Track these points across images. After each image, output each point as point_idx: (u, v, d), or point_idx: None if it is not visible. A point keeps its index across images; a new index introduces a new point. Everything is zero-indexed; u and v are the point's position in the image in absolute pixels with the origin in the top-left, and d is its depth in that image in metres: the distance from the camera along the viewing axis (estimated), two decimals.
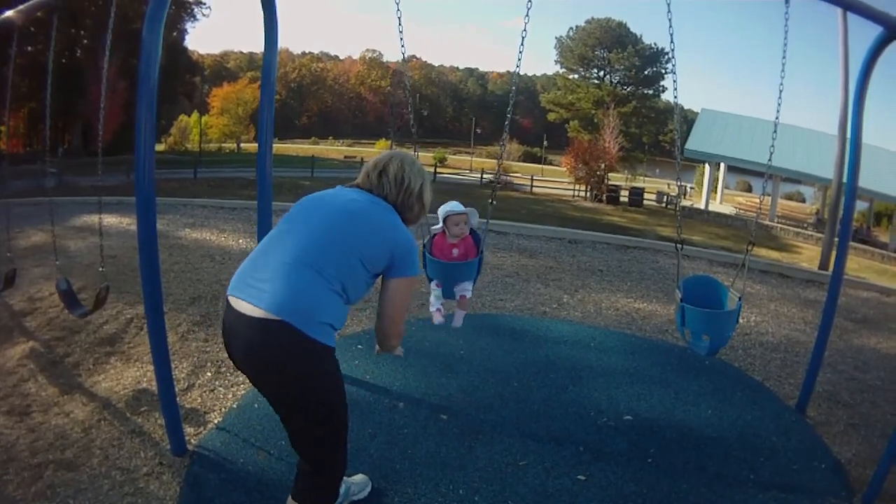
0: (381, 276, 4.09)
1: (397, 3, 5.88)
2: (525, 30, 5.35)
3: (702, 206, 59.23)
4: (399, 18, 5.98)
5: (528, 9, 5.32)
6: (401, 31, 6.04)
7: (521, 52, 5.41)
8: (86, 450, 5.58)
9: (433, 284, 6.19)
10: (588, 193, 61.62)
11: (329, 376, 3.85)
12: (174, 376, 5.84)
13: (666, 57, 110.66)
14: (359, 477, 5.15)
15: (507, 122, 5.11)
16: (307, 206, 4.12)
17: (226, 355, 3.92)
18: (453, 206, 6.02)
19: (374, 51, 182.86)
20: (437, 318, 6.30)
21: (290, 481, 4.08)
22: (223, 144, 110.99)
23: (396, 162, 4.25)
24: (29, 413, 6.25)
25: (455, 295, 6.15)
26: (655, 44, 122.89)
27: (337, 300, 3.79)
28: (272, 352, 3.63)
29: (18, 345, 7.96)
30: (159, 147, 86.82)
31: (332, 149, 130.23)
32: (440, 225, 6.07)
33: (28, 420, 6.11)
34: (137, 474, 5.26)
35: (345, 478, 4.73)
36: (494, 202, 6.32)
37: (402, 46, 6.12)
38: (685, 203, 61.40)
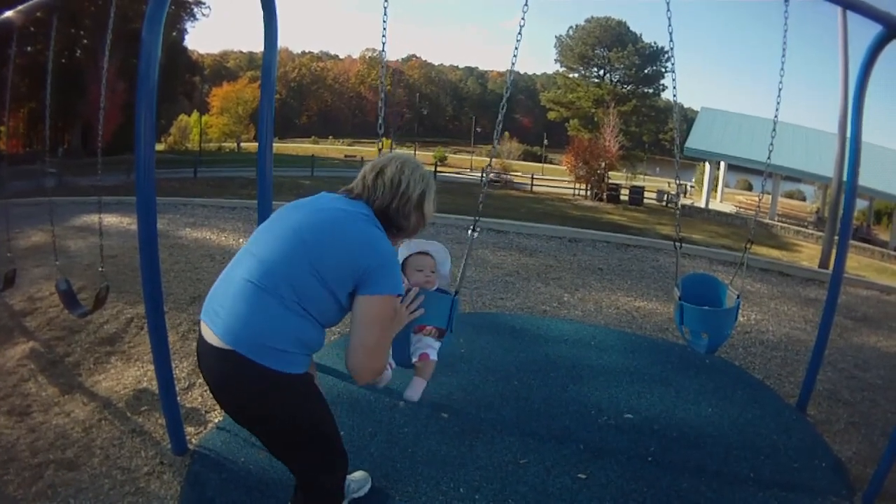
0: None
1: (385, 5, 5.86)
2: (521, 28, 5.34)
3: (702, 205, 59.22)
4: (385, 9, 5.94)
5: (525, 10, 5.32)
6: (385, 28, 6.00)
7: (516, 49, 5.40)
8: (86, 449, 5.59)
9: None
10: (588, 192, 61.61)
11: (290, 405, 3.57)
12: (175, 376, 5.85)
13: (666, 55, 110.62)
14: (358, 474, 5.13)
15: (499, 119, 5.00)
16: (276, 218, 3.79)
17: None
18: (418, 244, 4.55)
19: (373, 50, 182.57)
20: (383, 378, 4.46)
21: (290, 480, 4.06)
22: (223, 144, 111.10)
23: (395, 164, 3.85)
24: (29, 413, 6.26)
25: (412, 357, 4.53)
26: (655, 42, 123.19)
27: (298, 322, 3.45)
28: (226, 381, 3.50)
29: (19, 345, 7.96)
30: (159, 147, 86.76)
31: (333, 148, 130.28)
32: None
33: (28, 420, 6.12)
34: (138, 474, 5.26)
35: None
36: (484, 194, 5.15)
37: (384, 36, 6.06)
38: (686, 202, 61.43)
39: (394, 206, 3.75)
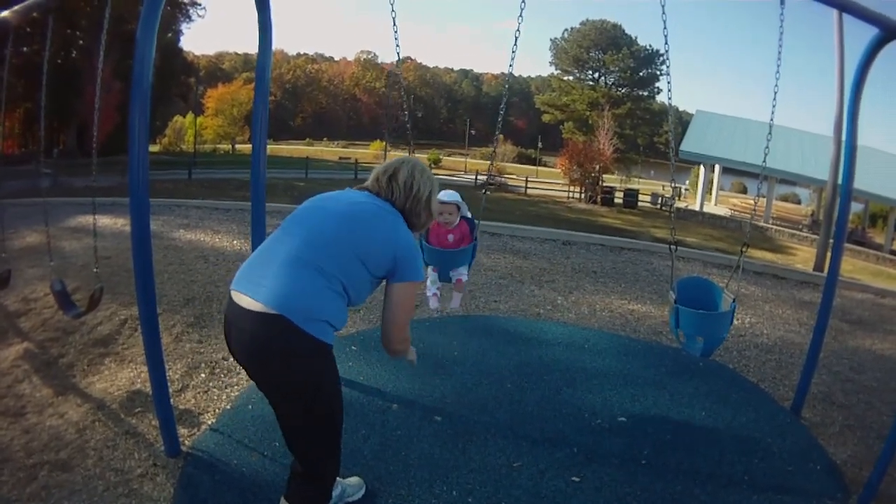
0: (384, 281, 4.10)
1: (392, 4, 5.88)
2: (518, 30, 5.34)
3: (696, 208, 59.35)
4: (394, 19, 5.97)
5: (522, 10, 5.31)
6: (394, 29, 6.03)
7: (513, 54, 5.40)
8: (80, 451, 5.59)
9: (429, 269, 6.58)
10: (582, 195, 61.65)
11: (326, 373, 3.88)
12: (168, 377, 5.85)
13: (661, 59, 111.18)
14: (353, 479, 5.14)
15: (499, 121, 5.09)
16: (312, 206, 4.14)
17: (220, 356, 3.93)
18: (442, 195, 5.98)
19: (368, 52, 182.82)
20: (433, 303, 6.94)
21: (283, 482, 4.08)
22: (218, 145, 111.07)
23: (407, 168, 4.28)
24: (23, 414, 6.27)
25: (451, 279, 6.68)
26: (650, 45, 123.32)
27: (336, 299, 3.81)
28: (269, 345, 3.65)
29: (13, 346, 7.97)
30: (154, 148, 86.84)
31: (327, 150, 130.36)
32: None
33: (22, 421, 6.13)
34: (131, 475, 5.26)
35: (339, 479, 4.78)
36: (487, 192, 6.49)
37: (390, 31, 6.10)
38: (680, 205, 61.57)
39: (408, 206, 4.23)
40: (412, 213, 4.25)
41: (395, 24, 6.09)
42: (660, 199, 62.80)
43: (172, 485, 5.17)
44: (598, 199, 58.85)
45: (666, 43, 6.02)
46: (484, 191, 6.91)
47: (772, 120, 6.34)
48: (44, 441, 5.74)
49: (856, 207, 59.81)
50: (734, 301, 5.85)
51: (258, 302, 3.65)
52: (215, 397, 6.71)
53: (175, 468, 5.40)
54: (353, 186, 4.38)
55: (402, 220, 4.18)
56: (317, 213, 4.06)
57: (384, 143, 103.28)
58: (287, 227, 4.03)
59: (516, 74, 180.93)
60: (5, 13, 7.58)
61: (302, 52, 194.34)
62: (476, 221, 6.61)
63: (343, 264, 3.81)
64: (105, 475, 5.25)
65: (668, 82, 6.35)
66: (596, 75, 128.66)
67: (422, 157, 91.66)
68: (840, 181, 7.56)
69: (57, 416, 6.21)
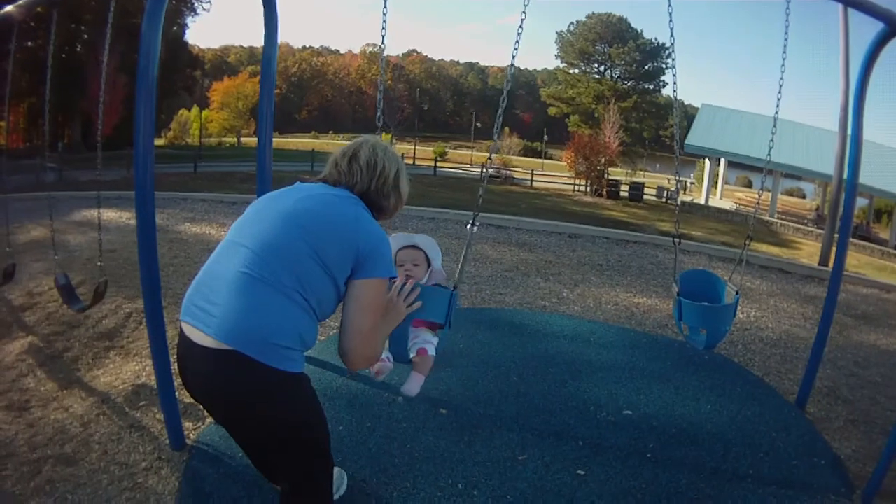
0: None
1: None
2: (521, 25, 5.32)
3: (702, 202, 59.27)
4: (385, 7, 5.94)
5: (523, 16, 5.30)
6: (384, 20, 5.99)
7: (516, 45, 5.38)
8: (85, 444, 5.59)
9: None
10: (588, 188, 61.62)
11: (298, 406, 3.45)
12: (173, 370, 5.82)
13: (666, 52, 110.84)
14: (335, 470, 4.63)
15: (499, 114, 4.97)
16: (260, 208, 3.66)
17: None
18: (401, 237, 4.69)
19: (374, 45, 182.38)
20: (381, 370, 4.44)
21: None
22: (223, 139, 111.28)
23: (368, 147, 3.82)
24: (28, 408, 6.27)
25: (409, 352, 4.56)
26: (656, 39, 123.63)
27: (301, 316, 3.34)
28: (227, 387, 3.26)
29: (17, 339, 7.97)
30: (159, 141, 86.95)
31: (333, 143, 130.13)
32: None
33: (27, 415, 6.12)
34: (136, 469, 5.26)
35: None
36: (483, 192, 5.18)
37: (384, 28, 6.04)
38: (685, 198, 61.49)
39: (373, 187, 3.74)
40: (379, 196, 3.77)
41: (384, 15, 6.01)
42: (665, 192, 62.75)
43: (177, 478, 5.17)
44: (604, 193, 58.78)
45: (671, 36, 6.01)
46: (470, 224, 4.50)
47: (777, 114, 6.33)
48: (48, 435, 5.74)
49: (861, 202, 59.78)
50: (738, 294, 5.84)
51: (208, 336, 3.21)
52: None
53: (180, 461, 5.39)
54: (305, 179, 4.00)
55: (363, 206, 3.67)
56: (264, 216, 3.54)
57: (390, 136, 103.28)
58: (233, 235, 3.57)
59: (522, 67, 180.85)
60: (9, 8, 7.57)
61: (307, 45, 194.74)
62: (454, 291, 4.26)
63: (301, 274, 3.31)
64: (110, 469, 5.25)
65: (674, 75, 6.30)
66: (602, 68, 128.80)
67: (427, 149, 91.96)
68: (845, 176, 7.54)
69: (61, 410, 6.22)
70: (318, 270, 3.34)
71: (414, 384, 4.62)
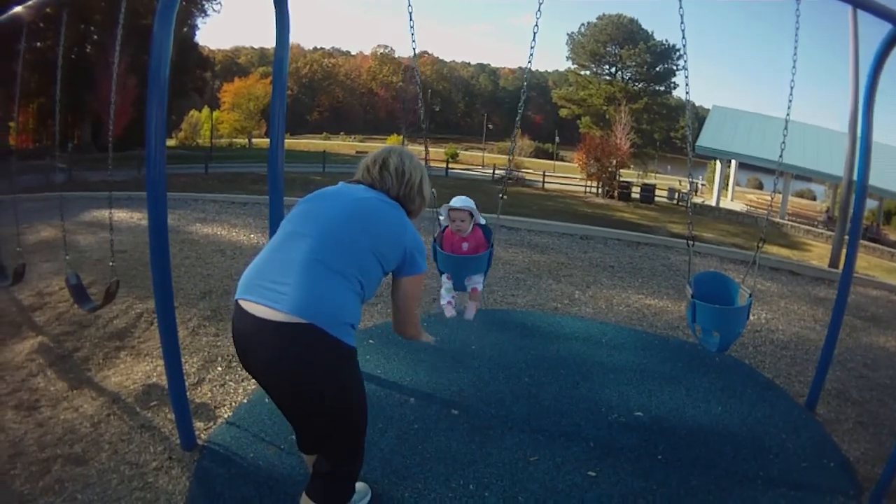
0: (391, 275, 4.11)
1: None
2: (536, 25, 5.31)
3: (713, 203, 59.18)
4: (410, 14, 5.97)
5: (538, 16, 5.29)
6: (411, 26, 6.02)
7: (532, 49, 5.38)
8: (94, 444, 5.61)
9: (444, 278, 6.24)
10: (600, 190, 61.63)
11: (355, 378, 3.82)
12: (184, 371, 5.84)
13: (677, 53, 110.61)
14: (360, 485, 4.98)
15: (517, 118, 5.05)
16: (315, 205, 4.02)
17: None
18: (455, 201, 6.10)
19: (385, 46, 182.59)
20: (449, 312, 6.30)
21: (299, 476, 4.05)
22: (234, 140, 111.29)
23: (396, 156, 4.26)
24: (37, 407, 6.28)
25: (466, 287, 6.25)
26: (667, 40, 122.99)
27: (355, 299, 3.73)
28: (298, 355, 3.51)
29: (27, 339, 7.99)
30: (170, 142, 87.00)
31: (344, 144, 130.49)
32: (445, 217, 6.20)
33: (36, 414, 6.14)
34: (146, 469, 5.28)
35: None
36: (505, 196, 6.33)
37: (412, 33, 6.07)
38: (696, 200, 61.45)
39: (402, 193, 4.20)
40: (407, 200, 4.23)
41: (410, 18, 6.06)
42: (676, 194, 62.71)
43: (188, 478, 5.18)
44: (615, 194, 58.83)
45: (683, 37, 6.00)
46: (501, 195, 6.44)
47: (788, 115, 6.32)
48: (58, 434, 5.76)
49: (871, 204, 59.63)
50: (750, 296, 5.84)
51: (280, 311, 3.47)
52: (231, 391, 6.74)
53: (190, 461, 5.41)
54: (346, 180, 4.32)
55: (404, 211, 4.17)
56: (324, 211, 3.93)
57: (402, 138, 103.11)
58: (291, 228, 3.90)
59: (533, 69, 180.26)
60: (18, 8, 7.59)
61: (319, 47, 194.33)
62: (491, 228, 6.27)
63: (361, 263, 3.74)
64: (120, 468, 5.26)
65: (686, 77, 6.29)
66: (613, 70, 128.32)
67: (438, 151, 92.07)
68: (855, 177, 7.52)
69: (71, 410, 6.24)
70: (375, 262, 3.83)
71: (472, 310, 6.33)
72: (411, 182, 4.21)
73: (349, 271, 3.68)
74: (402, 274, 4.05)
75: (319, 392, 3.62)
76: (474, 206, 6.12)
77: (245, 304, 3.65)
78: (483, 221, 6.31)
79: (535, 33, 5.40)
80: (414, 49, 6.09)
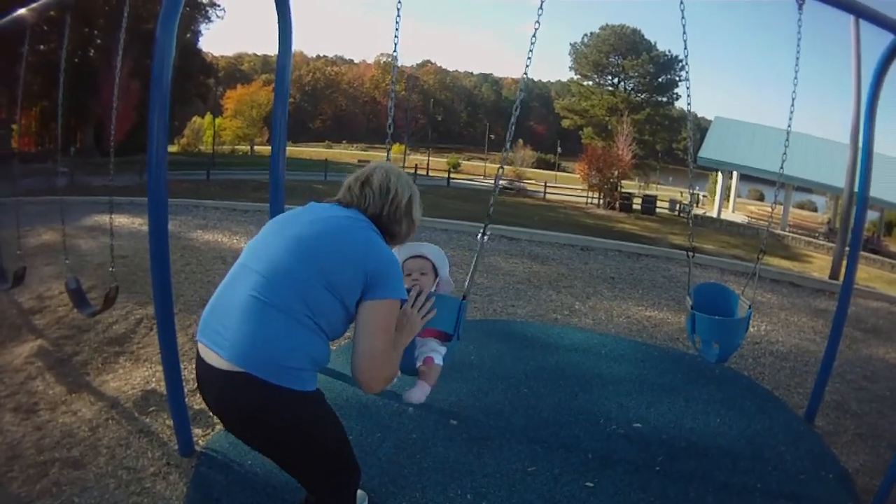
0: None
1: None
2: (535, 35, 5.32)
3: (714, 215, 59.23)
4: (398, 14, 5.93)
5: (538, 23, 5.29)
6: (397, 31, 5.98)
7: (530, 55, 5.37)
8: (92, 448, 5.61)
9: None
10: (601, 201, 61.69)
11: (316, 422, 3.52)
12: (183, 377, 5.83)
13: (680, 64, 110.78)
14: (358, 493, 4.70)
15: (511, 123, 4.94)
16: (272, 230, 3.67)
17: None
18: (416, 247, 4.50)
19: (388, 55, 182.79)
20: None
21: (297, 483, 3.96)
22: (236, 147, 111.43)
23: (381, 172, 3.79)
24: (36, 411, 6.28)
25: (416, 361, 4.46)
26: (669, 51, 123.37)
27: (310, 337, 3.34)
28: (241, 406, 3.32)
29: (26, 343, 8.00)
30: (172, 149, 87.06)
31: (346, 153, 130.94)
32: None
33: (35, 418, 6.14)
34: (144, 474, 5.28)
35: None
36: (493, 202, 5.13)
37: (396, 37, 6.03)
38: (697, 211, 61.51)
39: (385, 213, 3.72)
40: (391, 221, 3.74)
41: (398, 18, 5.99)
42: (678, 205, 62.77)
43: (185, 484, 5.18)
44: (617, 205, 58.88)
45: (685, 48, 6.01)
46: (481, 234, 4.69)
47: (789, 126, 6.33)
48: (56, 438, 5.76)
49: (871, 216, 59.66)
50: (750, 307, 5.84)
51: (223, 359, 3.26)
52: None
53: (188, 467, 5.40)
54: (320, 200, 3.88)
55: (373, 229, 3.63)
56: (275, 240, 3.54)
57: (404, 147, 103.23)
58: (245, 259, 3.57)
59: (535, 79, 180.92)
60: (22, 11, 7.61)
61: (321, 55, 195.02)
62: (464, 301, 4.36)
63: (310, 299, 3.32)
64: (117, 473, 5.26)
65: (688, 88, 6.30)
66: (615, 80, 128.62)
67: (440, 161, 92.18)
68: (856, 189, 7.53)
69: (70, 414, 6.24)
70: (327, 295, 3.34)
71: (418, 392, 4.32)
72: (397, 200, 3.74)
73: (295, 308, 3.29)
74: (365, 299, 3.40)
75: (274, 442, 3.45)
76: (442, 258, 4.57)
77: (200, 347, 3.48)
78: (451, 284, 4.67)
79: (532, 42, 5.38)
80: (395, 44, 5.80)
